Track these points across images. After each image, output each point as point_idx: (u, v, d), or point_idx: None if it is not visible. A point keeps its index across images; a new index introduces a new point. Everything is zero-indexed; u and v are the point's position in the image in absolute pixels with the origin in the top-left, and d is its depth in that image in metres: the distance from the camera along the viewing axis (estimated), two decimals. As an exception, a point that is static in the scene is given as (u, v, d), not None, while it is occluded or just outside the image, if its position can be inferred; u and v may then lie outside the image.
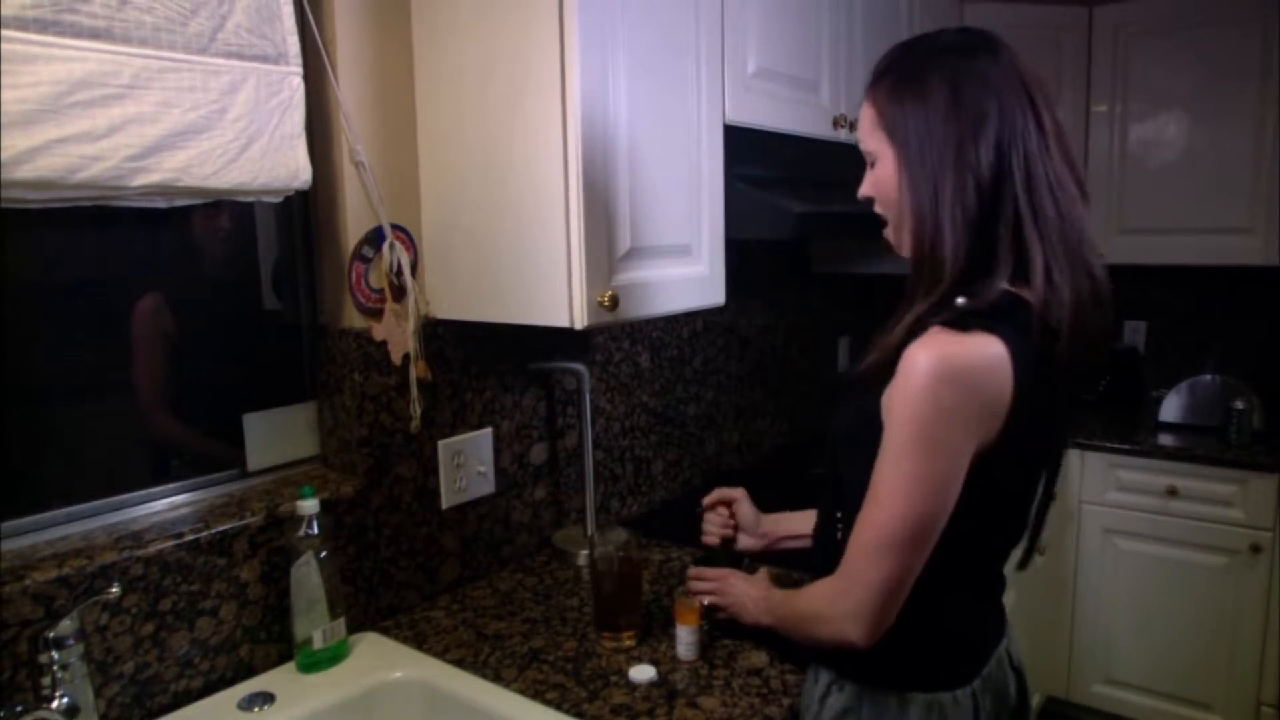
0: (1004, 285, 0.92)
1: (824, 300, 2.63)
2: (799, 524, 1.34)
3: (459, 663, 1.21)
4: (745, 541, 1.35)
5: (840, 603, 0.97)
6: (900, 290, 1.01)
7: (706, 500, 1.41)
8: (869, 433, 0.94)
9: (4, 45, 0.86)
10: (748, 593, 1.21)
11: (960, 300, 0.91)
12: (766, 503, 1.40)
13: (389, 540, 1.36)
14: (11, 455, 1.08)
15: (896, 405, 0.91)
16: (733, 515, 1.38)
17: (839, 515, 1.02)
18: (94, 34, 0.94)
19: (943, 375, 0.87)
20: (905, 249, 1.00)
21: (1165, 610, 2.44)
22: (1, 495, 1.04)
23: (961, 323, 0.89)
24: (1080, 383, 0.97)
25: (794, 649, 1.16)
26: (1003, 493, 0.99)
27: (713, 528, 1.38)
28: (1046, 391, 0.93)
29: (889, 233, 1.02)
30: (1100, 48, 2.67)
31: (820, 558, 1.06)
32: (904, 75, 0.97)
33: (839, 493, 1.03)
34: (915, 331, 0.91)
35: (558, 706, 1.09)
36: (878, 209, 1.03)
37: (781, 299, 2.43)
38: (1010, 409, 0.90)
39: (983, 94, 0.92)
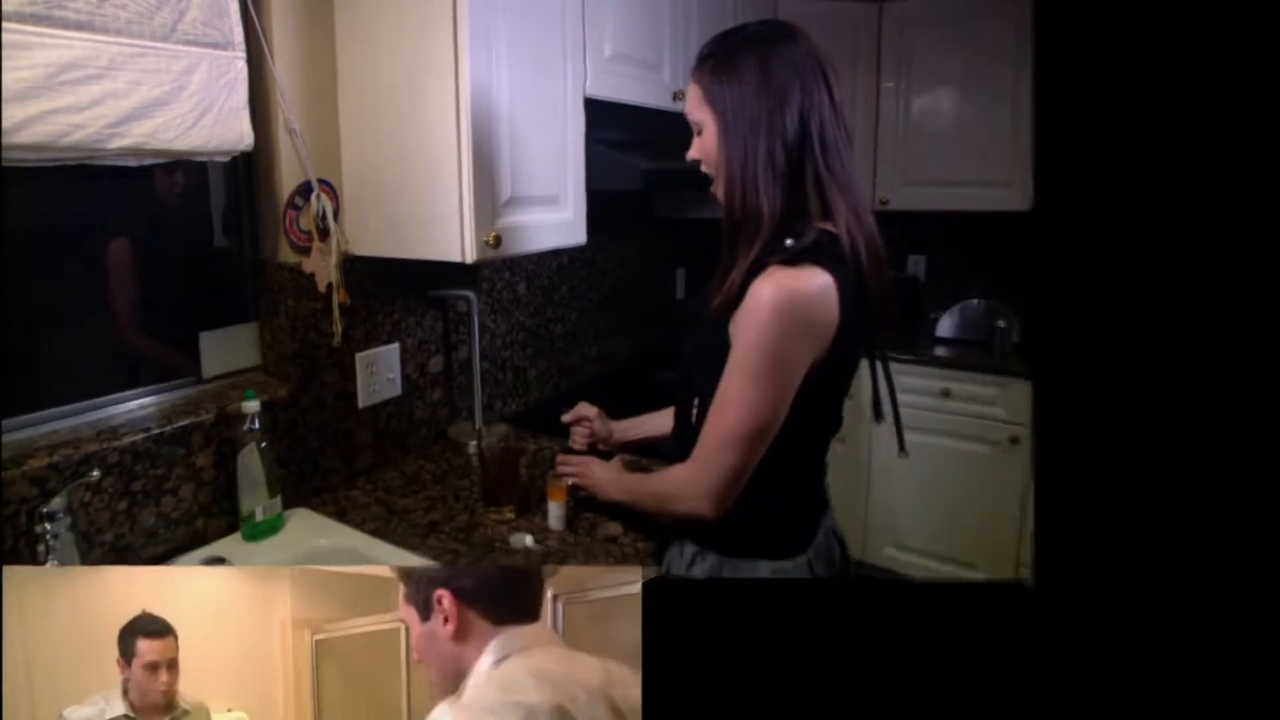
0: (819, 225, 0.97)
1: (666, 240, 2.72)
2: (641, 428, 1.43)
3: (375, 532, 1.29)
4: (600, 449, 1.45)
5: (693, 484, 1.03)
6: None
7: (565, 418, 1.48)
8: (719, 351, 1.00)
9: (5, 35, 0.94)
10: (605, 475, 1.28)
11: (789, 241, 0.96)
12: (619, 401, 1.52)
13: (316, 433, 1.44)
14: (12, 365, 1.13)
15: (743, 330, 0.95)
16: (591, 430, 1.45)
17: (695, 403, 1.09)
18: (78, 25, 1.01)
19: (783, 305, 0.92)
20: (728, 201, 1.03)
21: (943, 490, 2.63)
22: (4, 397, 1.08)
23: (794, 259, 0.94)
24: (888, 311, 1.04)
25: (645, 521, 1.26)
26: (827, 398, 1.04)
27: (579, 439, 1.46)
28: (861, 312, 0.99)
29: (715, 188, 1.07)
30: (888, 36, 2.80)
31: (678, 443, 1.13)
32: (723, 59, 1.01)
33: (693, 393, 1.10)
34: (755, 270, 0.95)
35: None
36: (704, 169, 1.07)
37: (632, 238, 2.50)
38: (837, 329, 0.96)
39: (787, 73, 0.98)
